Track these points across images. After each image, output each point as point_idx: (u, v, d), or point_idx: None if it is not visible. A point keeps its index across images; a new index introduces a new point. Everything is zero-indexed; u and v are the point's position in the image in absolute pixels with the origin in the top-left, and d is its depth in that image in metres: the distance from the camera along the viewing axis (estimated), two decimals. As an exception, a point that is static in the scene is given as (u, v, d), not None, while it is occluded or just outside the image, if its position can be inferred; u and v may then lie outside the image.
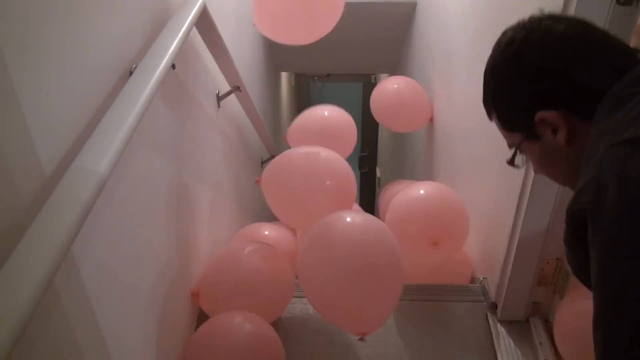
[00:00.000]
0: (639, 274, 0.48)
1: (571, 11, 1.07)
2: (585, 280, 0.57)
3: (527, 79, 0.69)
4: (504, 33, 0.74)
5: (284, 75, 5.06)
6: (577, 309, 1.24)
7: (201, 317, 1.54)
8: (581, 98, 0.66)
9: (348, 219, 1.34)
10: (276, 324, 1.59)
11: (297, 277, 1.48)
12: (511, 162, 0.80)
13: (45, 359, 0.74)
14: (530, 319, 1.54)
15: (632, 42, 1.11)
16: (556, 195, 1.29)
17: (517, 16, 1.44)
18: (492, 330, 1.53)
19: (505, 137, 0.79)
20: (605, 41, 0.68)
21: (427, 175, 2.71)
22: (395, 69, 4.06)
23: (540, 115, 0.68)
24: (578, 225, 0.57)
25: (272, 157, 3.02)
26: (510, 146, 0.79)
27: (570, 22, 0.69)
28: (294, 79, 6.55)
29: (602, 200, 0.52)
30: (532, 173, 1.28)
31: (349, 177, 1.57)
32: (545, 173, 0.78)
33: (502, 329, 1.53)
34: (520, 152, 0.78)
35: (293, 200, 1.54)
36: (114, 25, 0.98)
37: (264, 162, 2.97)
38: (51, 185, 0.71)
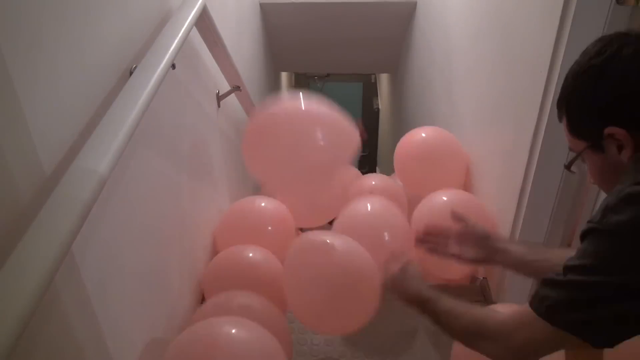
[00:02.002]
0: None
1: (571, 11, 1.07)
2: None
3: (607, 93, 0.69)
4: (598, 40, 0.72)
5: (284, 75, 5.06)
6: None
7: (201, 317, 1.55)
8: None
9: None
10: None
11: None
12: (568, 167, 0.80)
13: (45, 358, 0.74)
14: (530, 318, 1.54)
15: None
16: (556, 196, 1.29)
17: (518, 15, 1.43)
18: (492, 330, 1.53)
19: (570, 141, 0.79)
20: None
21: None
22: (396, 69, 4.06)
23: (609, 130, 0.69)
24: None
25: None
26: (571, 150, 0.79)
27: None
28: (294, 79, 6.55)
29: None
30: (531, 176, 1.28)
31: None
32: (598, 183, 0.79)
33: (502, 329, 1.53)
34: (580, 159, 0.78)
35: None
36: (114, 26, 0.98)
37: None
38: (51, 185, 0.71)
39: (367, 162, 7.17)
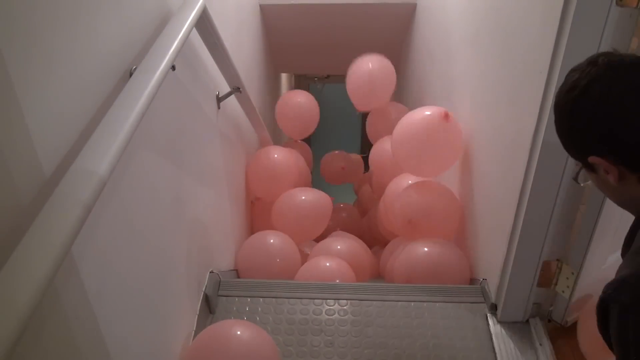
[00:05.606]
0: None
1: (571, 11, 1.07)
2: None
3: (582, 128, 0.72)
4: (572, 71, 0.74)
5: (284, 77, 5.06)
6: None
7: (201, 317, 1.54)
8: (633, 158, 0.69)
9: None
10: (277, 325, 1.59)
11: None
12: (575, 177, 0.85)
13: (45, 359, 0.74)
14: (530, 320, 1.54)
15: (633, 44, 1.10)
16: (556, 197, 1.29)
17: (517, 16, 1.43)
18: (492, 331, 1.53)
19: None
20: None
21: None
22: (395, 70, 4.06)
23: (591, 159, 0.72)
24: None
25: None
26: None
27: (637, 74, 0.69)
28: (294, 80, 6.55)
29: None
30: (531, 175, 1.28)
31: None
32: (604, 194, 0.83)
33: (502, 330, 1.53)
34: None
35: None
36: (114, 27, 0.98)
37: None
38: (51, 186, 0.71)
39: (367, 163, 7.16)
